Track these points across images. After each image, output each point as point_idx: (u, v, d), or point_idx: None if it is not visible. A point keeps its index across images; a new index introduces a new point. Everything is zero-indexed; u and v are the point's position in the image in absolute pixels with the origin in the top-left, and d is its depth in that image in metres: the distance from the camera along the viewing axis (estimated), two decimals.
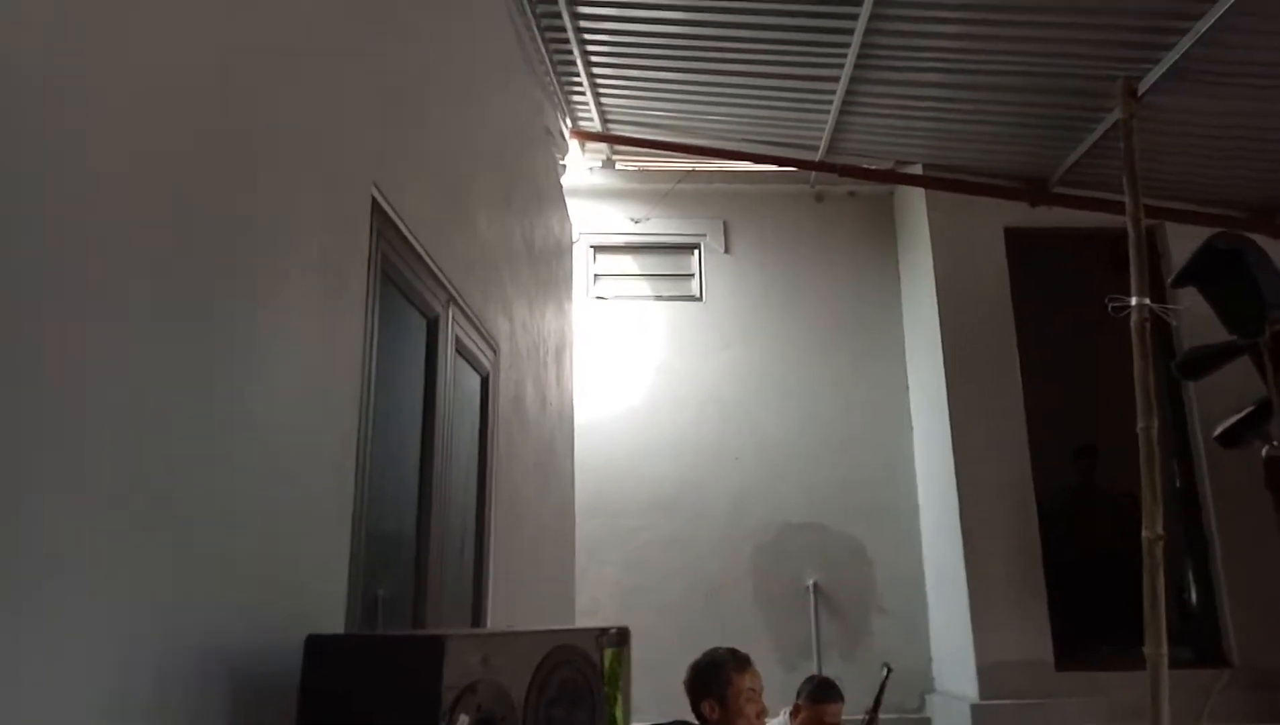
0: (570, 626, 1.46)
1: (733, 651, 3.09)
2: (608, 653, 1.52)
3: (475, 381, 3.03)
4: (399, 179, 2.21)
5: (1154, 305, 3.93)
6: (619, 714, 1.54)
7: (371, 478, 1.99)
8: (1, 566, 0.95)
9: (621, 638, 1.57)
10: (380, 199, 2.05)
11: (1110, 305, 3.96)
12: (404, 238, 2.23)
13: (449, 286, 2.63)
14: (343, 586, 1.81)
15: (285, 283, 1.62)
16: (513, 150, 3.81)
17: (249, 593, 1.44)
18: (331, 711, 1.29)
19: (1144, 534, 3.65)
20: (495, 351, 3.23)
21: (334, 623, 1.69)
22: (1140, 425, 3.82)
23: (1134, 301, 3.89)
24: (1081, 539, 5.35)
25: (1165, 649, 3.55)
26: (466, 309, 2.82)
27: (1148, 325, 3.92)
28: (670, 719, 2.09)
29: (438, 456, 2.47)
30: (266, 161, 1.57)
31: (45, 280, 1.03)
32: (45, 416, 1.02)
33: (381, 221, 2.08)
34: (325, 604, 1.71)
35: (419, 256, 2.36)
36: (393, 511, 2.25)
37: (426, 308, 2.48)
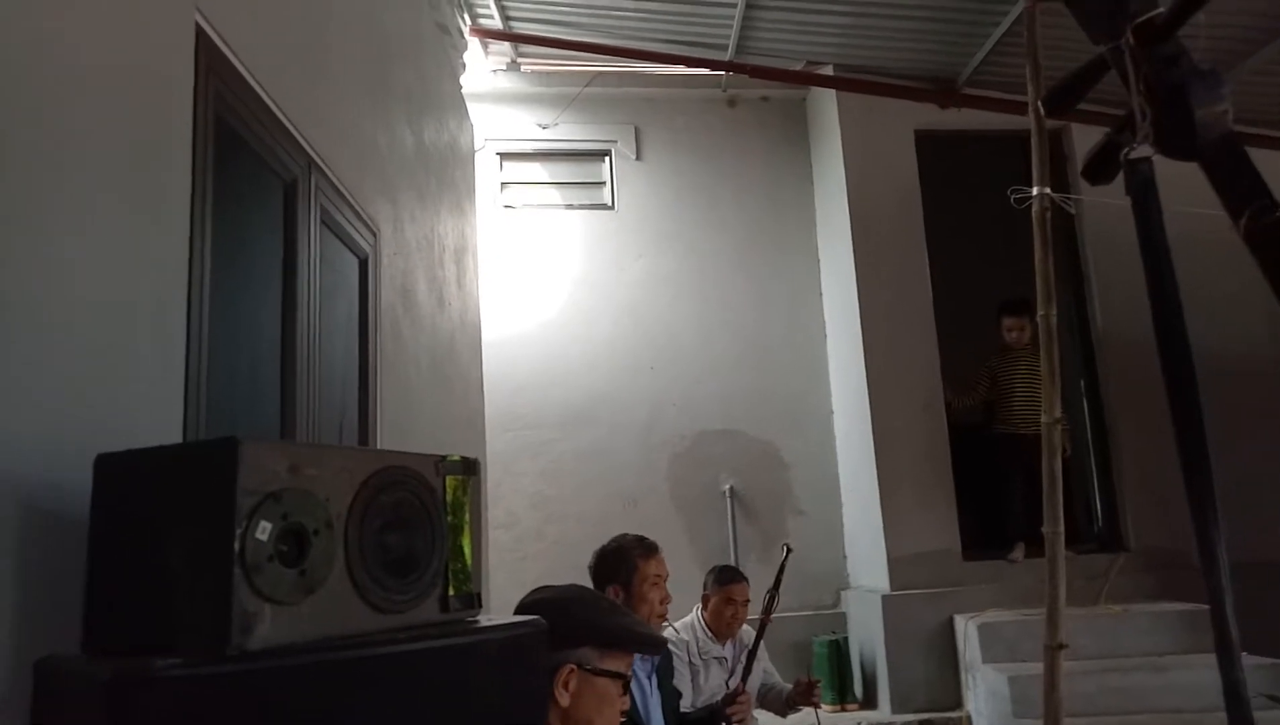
0: (404, 452, 1.35)
1: (640, 538, 3.03)
2: (450, 480, 1.43)
3: (352, 263, 2.87)
4: (235, 12, 2.00)
5: (1054, 195, 3.96)
6: (466, 545, 1.45)
7: (208, 341, 1.83)
8: None
9: (467, 467, 1.47)
10: (208, 28, 1.85)
11: (1013, 197, 3.97)
12: (244, 82, 2.04)
13: (310, 150, 2.44)
14: (177, 426, 1.67)
15: (88, 123, 1.44)
16: (392, 31, 3.58)
17: (41, 427, 1.30)
18: (123, 531, 1.16)
19: (1042, 419, 3.72)
20: (375, 234, 3.06)
21: None
22: (1040, 312, 3.87)
23: (1035, 191, 3.91)
24: (989, 426, 5.45)
25: (1061, 528, 3.63)
26: (335, 181, 2.65)
27: (1048, 215, 3.95)
28: (557, 585, 2.03)
29: (300, 329, 2.32)
30: None
31: None
32: None
33: (212, 57, 1.89)
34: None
35: (268, 109, 2.17)
36: (247, 387, 2.10)
37: (283, 170, 2.30)
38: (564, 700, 1.54)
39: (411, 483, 1.34)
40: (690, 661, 3.60)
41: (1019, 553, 5.22)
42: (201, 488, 1.10)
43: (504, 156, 6.04)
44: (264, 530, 1.10)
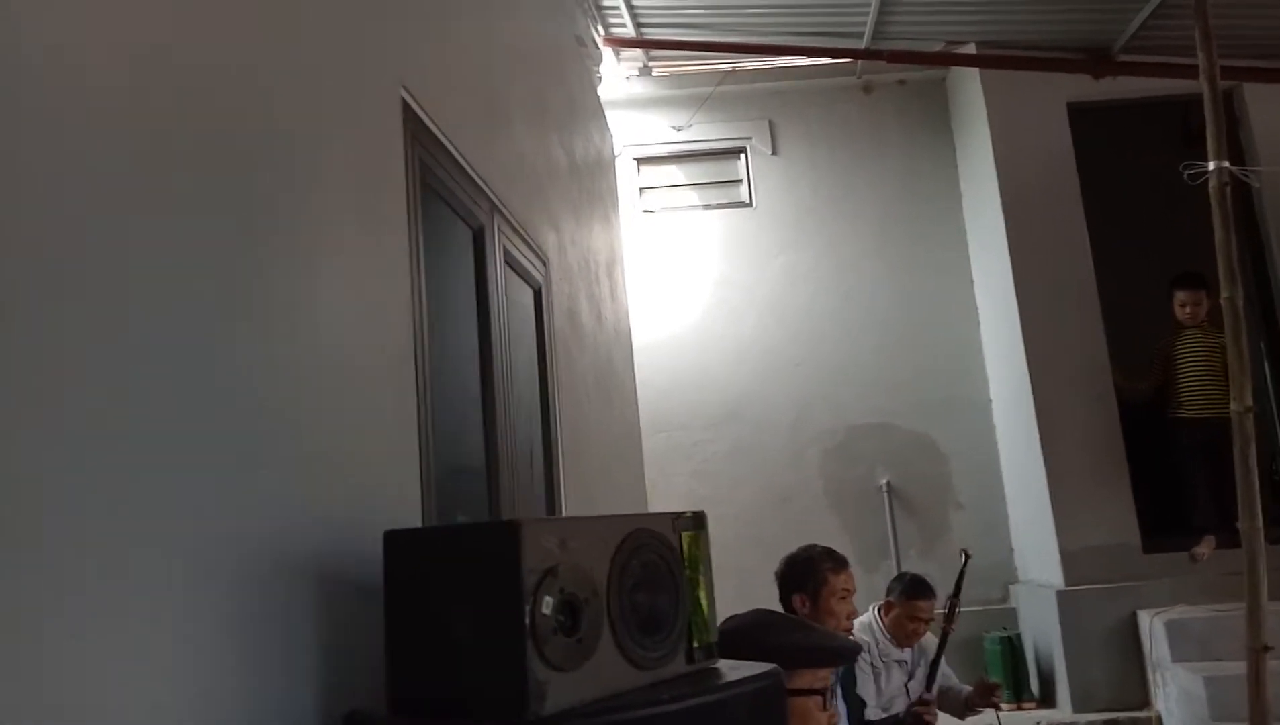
0: (646, 513, 1.40)
1: (829, 551, 3.06)
2: (685, 536, 1.48)
3: (528, 296, 2.98)
4: (429, 80, 2.12)
5: (1233, 168, 3.70)
6: (703, 597, 1.50)
7: (433, 390, 1.96)
8: (84, 482, 0.93)
9: (698, 521, 1.52)
10: (411, 101, 1.97)
11: (1186, 172, 3.74)
12: (439, 143, 2.15)
13: (491, 196, 2.55)
14: (416, 501, 1.80)
15: (323, 195, 1.56)
16: (545, 56, 3.68)
17: (325, 499, 1.43)
18: (416, 602, 1.27)
19: (1232, 407, 3.49)
20: (545, 264, 3.16)
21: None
22: (1224, 295, 3.63)
23: (1211, 166, 3.66)
24: (1166, 411, 5.14)
25: (1260, 523, 3.41)
26: (512, 219, 2.75)
27: (1227, 190, 3.70)
28: (744, 612, 2.08)
29: (497, 369, 2.44)
30: (287, 70, 1.51)
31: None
32: (120, 354, 0.99)
33: (415, 126, 2.00)
34: (406, 516, 1.70)
35: (457, 163, 2.29)
36: (458, 429, 2.23)
37: (470, 217, 2.41)
38: None
39: (655, 544, 1.40)
40: (873, 664, 3.58)
41: (1206, 547, 4.89)
42: (488, 566, 1.19)
43: (640, 161, 6.11)
44: (548, 604, 1.18)
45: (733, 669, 1.45)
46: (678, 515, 1.48)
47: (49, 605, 0.89)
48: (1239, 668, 3.41)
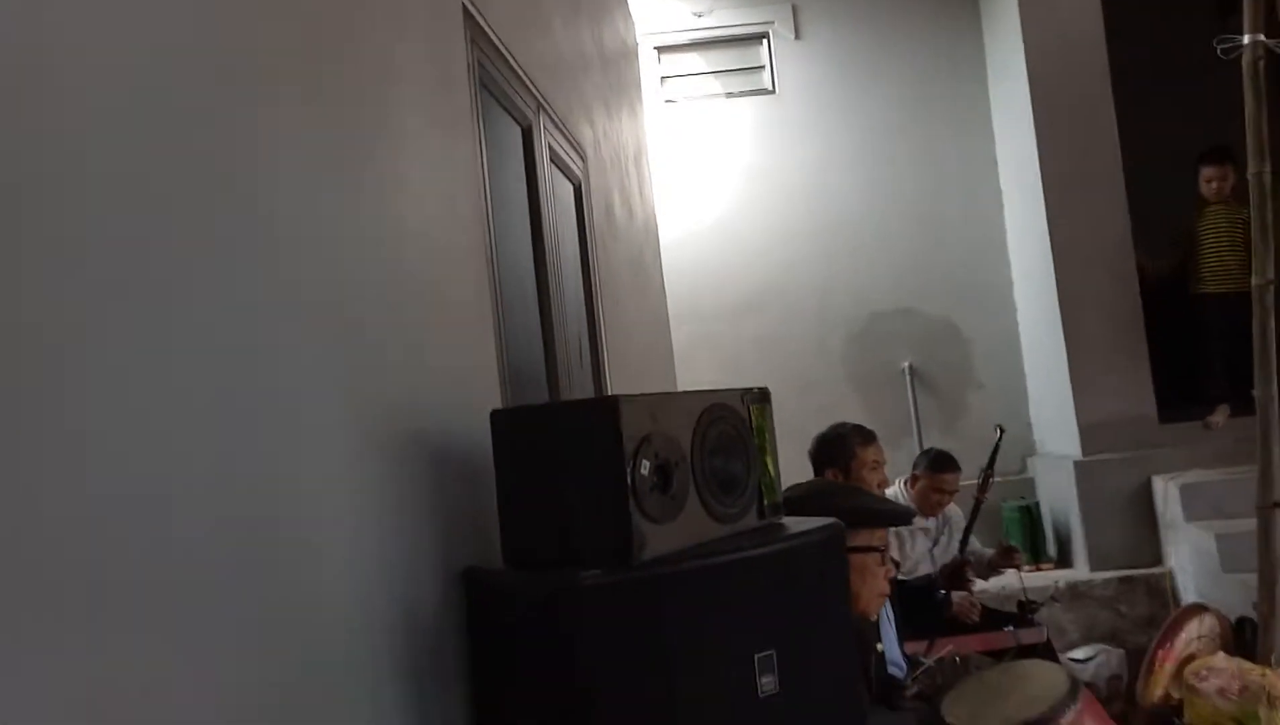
0: (719, 388, 1.56)
1: (858, 427, 3.24)
2: (753, 409, 1.64)
3: (569, 190, 3.08)
4: None
5: (1269, 41, 3.66)
6: (769, 463, 1.67)
7: (502, 283, 2.09)
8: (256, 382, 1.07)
9: (763, 396, 1.68)
10: (470, 5, 2.04)
11: (1219, 47, 3.71)
12: (494, 44, 2.22)
13: (537, 93, 2.63)
14: (496, 379, 1.96)
15: (401, 92, 1.66)
16: None
17: (431, 382, 1.59)
18: (526, 475, 1.44)
19: (1254, 281, 3.58)
20: (584, 159, 3.25)
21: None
22: (1251, 170, 3.66)
23: (1246, 39, 3.63)
24: (1188, 286, 5.22)
25: (1275, 390, 3.54)
26: (555, 116, 2.83)
27: (1261, 65, 3.67)
28: (805, 481, 2.28)
29: (549, 261, 2.57)
30: None
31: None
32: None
33: (473, 29, 2.08)
34: (489, 395, 1.86)
35: (508, 63, 2.36)
36: (521, 316, 2.37)
37: (520, 116, 2.50)
38: None
39: (729, 416, 1.56)
40: (897, 531, 3.82)
41: (1220, 415, 5.04)
42: (593, 437, 1.35)
43: (661, 50, 6.04)
44: (644, 467, 1.35)
45: (798, 523, 1.63)
46: (746, 391, 1.64)
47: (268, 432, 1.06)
48: (1250, 524, 3.62)
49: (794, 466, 3.24)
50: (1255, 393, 3.59)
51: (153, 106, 0.95)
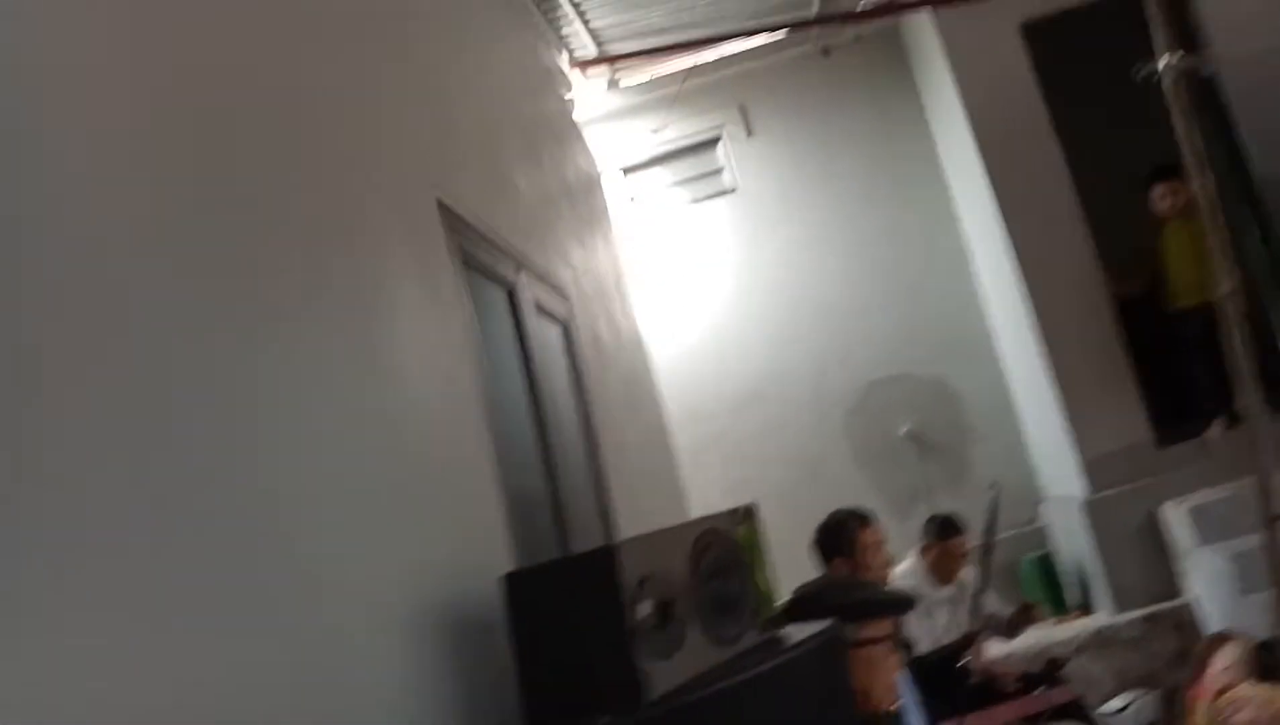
0: (707, 514, 1.75)
1: (854, 510, 3.39)
2: (741, 529, 1.82)
3: (556, 332, 3.31)
4: (451, 175, 2.45)
5: (1184, 62, 3.83)
6: (762, 577, 1.84)
7: (502, 445, 2.30)
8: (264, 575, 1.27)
9: (749, 514, 1.86)
10: (444, 200, 2.30)
11: (1138, 74, 3.90)
12: (469, 226, 2.48)
13: (515, 254, 2.88)
14: (505, 538, 2.14)
15: (397, 293, 1.90)
16: (528, 106, 3.99)
17: (441, 553, 1.77)
18: (539, 630, 1.61)
19: (1219, 290, 3.71)
20: (567, 299, 3.49)
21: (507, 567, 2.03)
22: (1196, 185, 3.83)
23: (1161, 63, 3.81)
24: (1161, 312, 5.36)
25: (1258, 398, 3.63)
26: (534, 269, 3.08)
27: (1182, 83, 3.82)
28: (811, 580, 2.42)
29: (546, 412, 2.78)
30: (352, 195, 1.84)
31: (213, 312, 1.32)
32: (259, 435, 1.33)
33: (450, 218, 2.34)
34: (496, 555, 2.04)
35: (484, 237, 2.62)
36: (524, 472, 2.57)
37: (503, 280, 2.75)
38: None
39: (720, 539, 1.74)
40: (918, 608, 3.90)
41: (1216, 430, 5.11)
42: (596, 586, 1.53)
43: (626, 171, 6.41)
44: (645, 608, 1.53)
45: (798, 631, 1.79)
46: (733, 512, 1.82)
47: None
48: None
49: (806, 552, 3.38)
50: (1239, 403, 3.70)
51: (169, 314, 1.16)
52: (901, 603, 2.18)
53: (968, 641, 3.44)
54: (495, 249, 2.70)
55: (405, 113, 2.32)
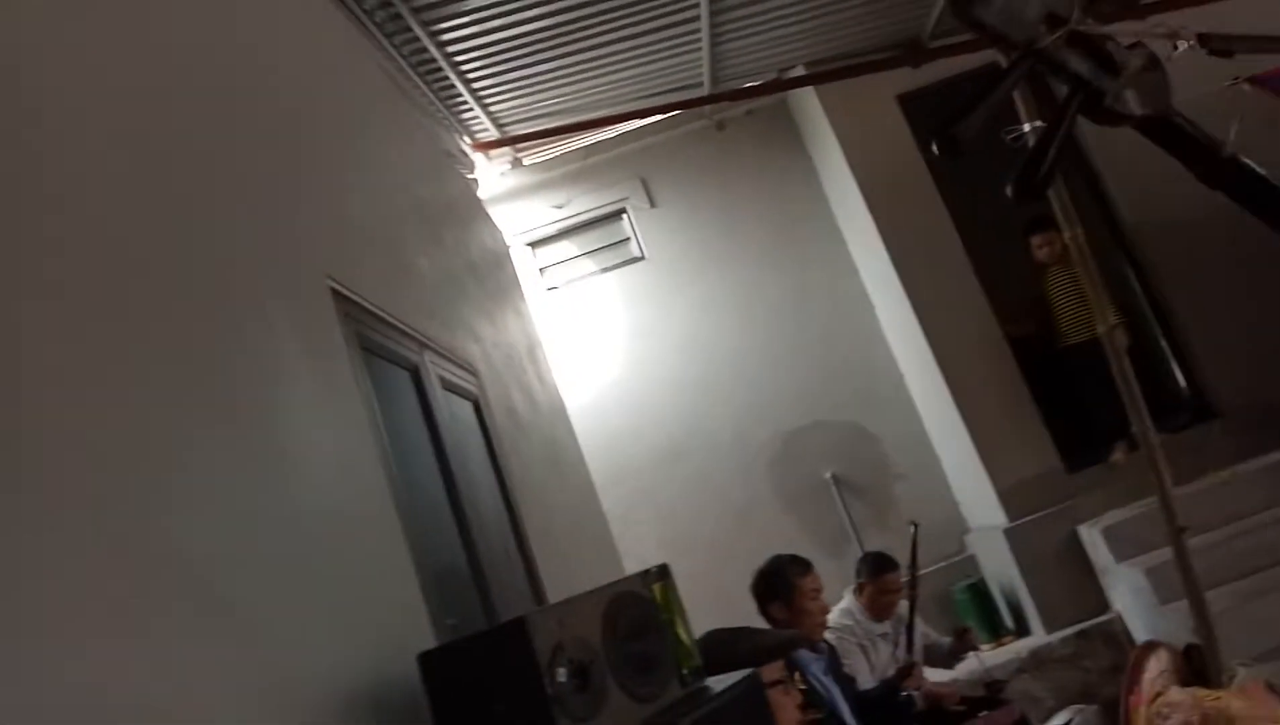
0: (619, 577, 1.75)
1: (794, 557, 3.44)
2: (655, 588, 1.82)
3: (468, 408, 3.30)
4: (347, 261, 2.46)
5: (1044, 122, 4.18)
6: (681, 632, 1.84)
7: (414, 524, 2.27)
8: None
9: (662, 572, 1.87)
10: (337, 286, 2.30)
11: (1007, 136, 4.22)
12: (367, 310, 2.48)
13: (417, 335, 2.88)
14: (425, 620, 2.10)
15: (290, 386, 1.88)
16: (427, 188, 4.03)
17: (359, 639, 1.73)
18: (460, 706, 1.58)
19: (1099, 328, 3.97)
20: (477, 375, 3.49)
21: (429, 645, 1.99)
22: (1067, 234, 4.13)
23: (1026, 127, 4.15)
24: (1054, 343, 5.67)
25: (1148, 422, 3.86)
26: (439, 348, 3.08)
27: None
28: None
29: (460, 484, 2.76)
30: (241, 286, 1.83)
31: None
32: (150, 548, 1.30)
33: (345, 304, 2.33)
34: (418, 635, 2.00)
35: (383, 319, 2.62)
36: (440, 546, 2.53)
37: (405, 361, 2.74)
38: None
39: (633, 601, 1.74)
40: (859, 643, 3.94)
41: (1120, 453, 5.38)
42: (510, 658, 1.51)
43: (533, 245, 6.50)
44: (562, 674, 1.52)
45: (718, 682, 1.79)
46: (645, 573, 1.83)
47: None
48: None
49: (745, 596, 3.40)
50: (1133, 429, 3.92)
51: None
52: (791, 641, 2.22)
53: (907, 672, 3.48)
54: (396, 331, 2.70)
55: (298, 204, 2.33)
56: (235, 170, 2.01)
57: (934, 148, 1.28)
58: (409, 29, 4.47)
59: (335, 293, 2.29)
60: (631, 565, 5.94)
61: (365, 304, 2.48)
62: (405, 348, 2.75)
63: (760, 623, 3.34)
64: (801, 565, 3.38)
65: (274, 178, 2.20)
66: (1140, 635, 4.68)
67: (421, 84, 4.96)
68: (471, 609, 2.55)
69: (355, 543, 1.92)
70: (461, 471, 2.83)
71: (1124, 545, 4.91)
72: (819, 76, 6.00)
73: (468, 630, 2.37)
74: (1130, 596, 4.81)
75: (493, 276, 4.82)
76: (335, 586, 1.77)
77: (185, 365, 1.54)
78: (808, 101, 6.29)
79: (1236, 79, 5.25)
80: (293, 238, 2.15)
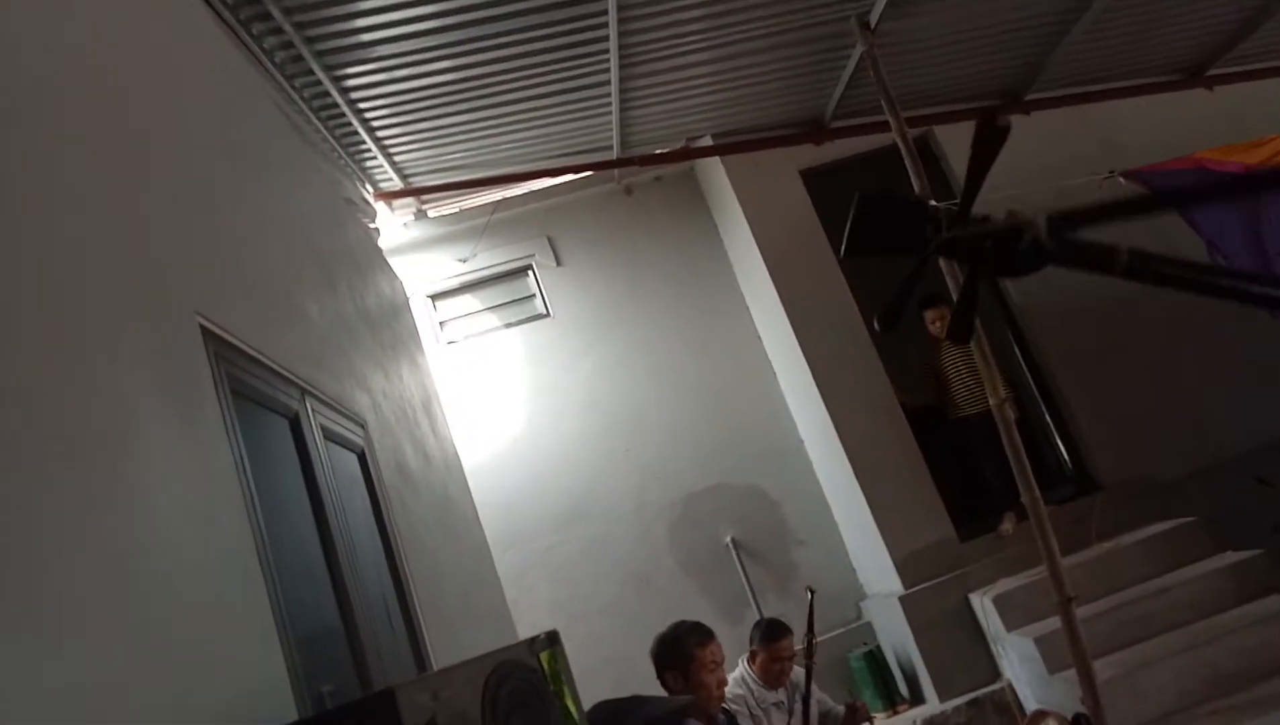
0: (503, 645, 1.61)
1: (696, 626, 3.31)
2: (543, 656, 1.69)
3: (352, 461, 3.11)
4: (221, 299, 2.28)
5: (939, 205, 4.37)
6: (570, 705, 1.71)
7: (282, 581, 2.07)
8: None
9: (551, 639, 1.73)
10: (208, 324, 2.12)
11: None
12: (241, 351, 2.30)
13: (298, 381, 2.70)
14: (287, 691, 1.90)
15: (144, 426, 1.69)
16: (321, 233, 3.87)
17: (213, 706, 1.53)
18: None
19: (990, 402, 4.09)
20: (363, 426, 3.30)
21: (291, 716, 1.79)
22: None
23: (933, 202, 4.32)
24: (947, 414, 5.81)
25: (1037, 493, 3.96)
26: (323, 396, 2.90)
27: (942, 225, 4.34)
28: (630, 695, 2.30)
29: (338, 541, 2.56)
30: (91, 317, 1.65)
31: None
32: None
33: (216, 344, 2.15)
34: (279, 704, 1.80)
35: (261, 363, 2.43)
36: (312, 607, 2.33)
37: (284, 408, 2.55)
38: None
39: (518, 671, 1.60)
40: (751, 713, 3.83)
41: (1009, 523, 5.53)
42: None
43: (434, 297, 6.33)
44: None
45: None
46: (533, 640, 1.70)
47: None
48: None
49: (645, 663, 3.26)
50: (1022, 498, 4.00)
51: None
52: (673, 713, 2.12)
53: None
54: (275, 376, 2.51)
55: (170, 237, 2.15)
56: (88, 192, 1.84)
57: (876, 326, 1.32)
58: (311, 72, 4.34)
59: (206, 331, 2.11)
60: (526, 631, 5.71)
61: (240, 345, 2.30)
62: (285, 394, 2.56)
63: (660, 690, 3.19)
64: (702, 634, 3.26)
65: (135, 204, 2.02)
66: (1030, 703, 4.73)
67: (323, 129, 4.82)
68: (347, 676, 2.34)
69: (212, 602, 1.73)
70: (340, 527, 2.63)
71: (1013, 613, 4.99)
72: (725, 147, 6.13)
73: (342, 699, 2.17)
74: (1020, 665, 4.86)
75: (389, 327, 4.64)
76: (177, 649, 1.57)
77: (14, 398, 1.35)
78: (714, 171, 6.41)
79: (1112, 172, 5.70)
80: (157, 270, 1.97)
